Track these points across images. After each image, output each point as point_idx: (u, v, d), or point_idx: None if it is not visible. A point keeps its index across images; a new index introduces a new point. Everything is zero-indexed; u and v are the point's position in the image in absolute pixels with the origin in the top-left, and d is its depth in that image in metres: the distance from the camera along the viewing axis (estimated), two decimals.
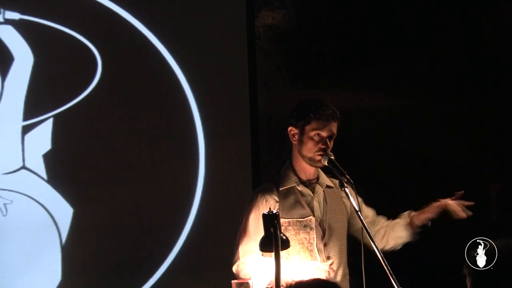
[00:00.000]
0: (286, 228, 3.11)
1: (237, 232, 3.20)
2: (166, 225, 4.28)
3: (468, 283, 2.15)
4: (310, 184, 3.22)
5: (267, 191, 3.21)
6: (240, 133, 4.43)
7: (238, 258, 3.14)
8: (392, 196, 4.81)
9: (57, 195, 4.13)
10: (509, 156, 4.99)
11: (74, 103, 4.18)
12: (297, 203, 3.18)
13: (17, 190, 4.08)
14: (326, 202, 3.22)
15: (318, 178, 3.23)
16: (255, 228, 3.12)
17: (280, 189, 3.20)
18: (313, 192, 3.20)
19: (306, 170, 3.20)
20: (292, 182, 3.20)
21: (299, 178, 3.20)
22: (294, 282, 2.21)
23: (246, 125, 4.44)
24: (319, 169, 3.22)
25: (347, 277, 3.25)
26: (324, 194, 3.23)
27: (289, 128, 3.19)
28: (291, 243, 3.03)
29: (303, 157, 3.16)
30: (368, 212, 3.33)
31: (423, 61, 5.09)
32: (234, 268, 3.14)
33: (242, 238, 3.16)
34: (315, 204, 3.19)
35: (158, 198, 4.27)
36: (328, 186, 3.23)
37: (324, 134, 3.12)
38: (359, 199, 3.17)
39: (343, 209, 3.25)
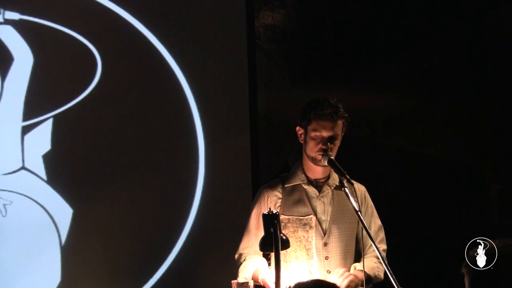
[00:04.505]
0: (285, 225, 3.14)
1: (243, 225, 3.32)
2: (166, 225, 4.27)
3: (466, 282, 2.15)
4: (317, 183, 3.23)
5: (271, 187, 3.28)
6: (240, 133, 4.42)
7: (240, 250, 3.27)
8: (392, 196, 4.81)
9: (56, 196, 4.12)
10: (509, 156, 4.98)
11: (74, 104, 4.18)
12: (300, 201, 3.20)
13: (16, 191, 4.08)
14: (334, 203, 3.22)
15: (328, 178, 3.24)
16: (256, 223, 3.22)
17: (286, 185, 3.24)
18: (319, 192, 3.21)
19: (314, 170, 3.22)
20: (298, 180, 3.23)
21: (307, 177, 3.22)
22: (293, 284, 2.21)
23: (246, 125, 4.44)
24: (331, 170, 3.19)
25: None
26: (333, 194, 3.22)
27: (297, 128, 3.24)
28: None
29: (307, 156, 3.19)
30: (373, 227, 3.29)
31: (423, 61, 5.08)
32: (236, 256, 3.28)
33: (245, 232, 3.28)
34: (319, 203, 3.19)
35: (158, 198, 4.26)
36: (337, 187, 3.19)
37: (324, 134, 3.12)
38: (373, 207, 3.28)
39: (352, 211, 3.16)
